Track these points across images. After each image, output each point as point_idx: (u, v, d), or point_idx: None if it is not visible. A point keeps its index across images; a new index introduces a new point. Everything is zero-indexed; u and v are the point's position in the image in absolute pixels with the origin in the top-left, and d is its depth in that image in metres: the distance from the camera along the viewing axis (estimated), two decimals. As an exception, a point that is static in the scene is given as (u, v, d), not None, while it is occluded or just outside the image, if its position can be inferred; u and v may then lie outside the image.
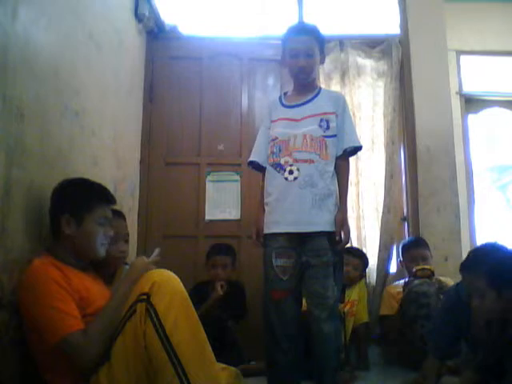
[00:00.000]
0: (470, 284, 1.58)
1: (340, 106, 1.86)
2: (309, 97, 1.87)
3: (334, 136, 1.82)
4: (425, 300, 2.26)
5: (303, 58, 1.81)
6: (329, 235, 1.74)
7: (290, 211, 1.75)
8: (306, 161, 1.77)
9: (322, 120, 1.81)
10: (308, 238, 1.74)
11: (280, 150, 1.81)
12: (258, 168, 1.93)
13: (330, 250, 1.73)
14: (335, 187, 1.82)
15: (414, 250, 2.54)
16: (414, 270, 2.41)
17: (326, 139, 1.80)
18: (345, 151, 1.84)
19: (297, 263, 1.75)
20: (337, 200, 1.81)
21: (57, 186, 1.51)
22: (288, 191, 1.76)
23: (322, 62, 1.93)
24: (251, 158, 1.94)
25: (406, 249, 2.59)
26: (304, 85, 1.89)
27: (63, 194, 1.50)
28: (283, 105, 1.92)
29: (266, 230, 1.81)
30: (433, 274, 2.40)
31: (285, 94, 1.98)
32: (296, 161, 1.77)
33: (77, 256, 1.47)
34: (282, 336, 1.73)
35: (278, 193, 1.79)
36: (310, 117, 1.82)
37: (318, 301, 1.71)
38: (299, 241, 1.75)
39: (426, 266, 2.41)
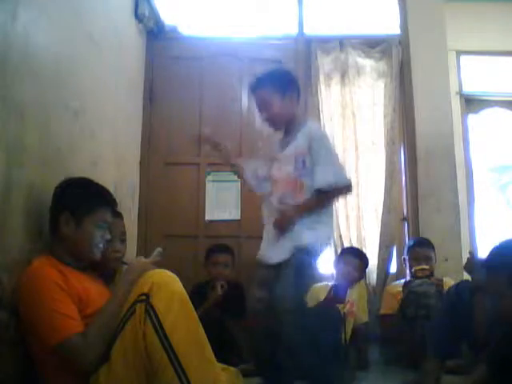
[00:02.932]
0: (490, 283, 1.55)
1: (309, 141, 1.77)
2: (288, 137, 1.85)
3: (311, 170, 1.75)
4: (425, 300, 2.27)
5: (262, 113, 1.83)
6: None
7: None
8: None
9: (297, 159, 1.76)
10: None
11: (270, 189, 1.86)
12: None
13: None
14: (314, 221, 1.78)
15: (419, 249, 2.53)
16: (413, 270, 2.42)
17: (301, 179, 1.75)
18: (317, 191, 1.74)
19: None
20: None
21: (61, 183, 1.51)
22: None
23: (286, 97, 1.82)
24: None
25: (412, 248, 2.59)
26: (279, 128, 1.89)
27: (66, 192, 1.49)
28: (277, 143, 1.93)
29: None
30: (432, 273, 2.40)
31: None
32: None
33: (73, 256, 1.47)
34: None
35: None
36: (287, 157, 1.80)
37: None
38: None
39: (425, 266, 2.41)
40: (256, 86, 1.86)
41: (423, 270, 2.40)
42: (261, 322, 1.77)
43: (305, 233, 1.73)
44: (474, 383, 1.58)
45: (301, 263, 1.70)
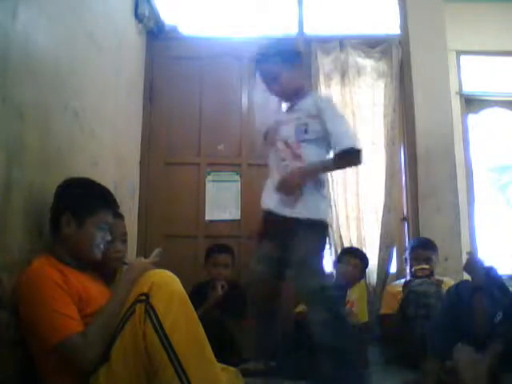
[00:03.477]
0: None
1: (316, 109, 1.80)
2: (294, 103, 1.90)
3: (316, 139, 1.79)
4: (424, 300, 2.26)
5: (271, 85, 1.86)
6: None
7: None
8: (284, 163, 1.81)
9: (298, 125, 1.80)
10: None
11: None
12: None
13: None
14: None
15: (422, 251, 2.53)
16: (414, 269, 2.42)
17: (301, 144, 1.79)
18: (337, 155, 1.78)
19: None
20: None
21: (62, 183, 1.51)
22: None
23: (295, 67, 1.87)
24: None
25: (414, 248, 2.59)
26: (289, 101, 1.92)
27: (67, 193, 1.49)
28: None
29: None
30: (432, 273, 2.40)
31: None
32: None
33: (74, 256, 1.47)
34: None
35: None
36: (289, 122, 1.84)
37: None
38: None
39: (425, 266, 2.41)
40: (265, 59, 1.88)
41: (423, 269, 2.40)
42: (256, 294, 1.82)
43: (320, 205, 1.79)
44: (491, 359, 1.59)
45: (318, 243, 1.76)
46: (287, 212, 1.77)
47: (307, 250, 1.72)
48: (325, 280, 1.74)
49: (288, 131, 1.82)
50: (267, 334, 1.86)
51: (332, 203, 2.85)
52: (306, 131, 1.79)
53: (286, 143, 1.81)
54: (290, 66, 1.85)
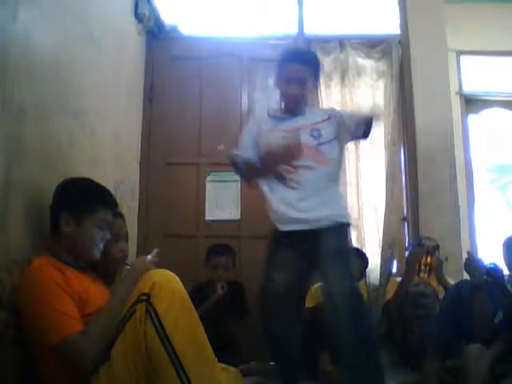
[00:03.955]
0: None
1: (324, 112, 1.92)
2: (298, 112, 1.89)
3: (331, 140, 1.82)
4: (422, 300, 2.27)
5: (295, 86, 1.82)
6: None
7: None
8: (305, 167, 1.76)
9: (312, 130, 1.82)
10: None
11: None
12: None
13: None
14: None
15: (426, 240, 2.54)
16: (420, 237, 2.49)
17: (320, 147, 1.80)
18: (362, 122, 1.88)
19: None
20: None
21: (62, 182, 1.51)
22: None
23: (315, 86, 1.96)
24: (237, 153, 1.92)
25: (417, 244, 2.59)
26: (293, 109, 1.90)
27: (67, 192, 1.49)
28: (273, 118, 1.92)
29: None
30: (437, 247, 2.43)
31: (271, 111, 1.98)
32: (295, 167, 1.76)
33: (73, 255, 1.47)
34: None
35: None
36: (301, 128, 1.82)
37: None
38: None
39: (431, 236, 2.44)
40: (307, 59, 1.87)
41: (429, 238, 2.42)
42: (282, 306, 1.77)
43: (343, 204, 1.87)
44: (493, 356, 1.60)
45: (346, 244, 1.80)
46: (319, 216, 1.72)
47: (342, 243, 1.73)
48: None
49: (303, 138, 1.79)
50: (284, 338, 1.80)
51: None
52: (320, 135, 1.81)
53: (306, 146, 1.78)
54: (315, 81, 1.90)
